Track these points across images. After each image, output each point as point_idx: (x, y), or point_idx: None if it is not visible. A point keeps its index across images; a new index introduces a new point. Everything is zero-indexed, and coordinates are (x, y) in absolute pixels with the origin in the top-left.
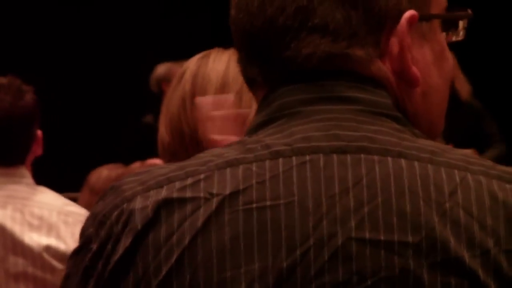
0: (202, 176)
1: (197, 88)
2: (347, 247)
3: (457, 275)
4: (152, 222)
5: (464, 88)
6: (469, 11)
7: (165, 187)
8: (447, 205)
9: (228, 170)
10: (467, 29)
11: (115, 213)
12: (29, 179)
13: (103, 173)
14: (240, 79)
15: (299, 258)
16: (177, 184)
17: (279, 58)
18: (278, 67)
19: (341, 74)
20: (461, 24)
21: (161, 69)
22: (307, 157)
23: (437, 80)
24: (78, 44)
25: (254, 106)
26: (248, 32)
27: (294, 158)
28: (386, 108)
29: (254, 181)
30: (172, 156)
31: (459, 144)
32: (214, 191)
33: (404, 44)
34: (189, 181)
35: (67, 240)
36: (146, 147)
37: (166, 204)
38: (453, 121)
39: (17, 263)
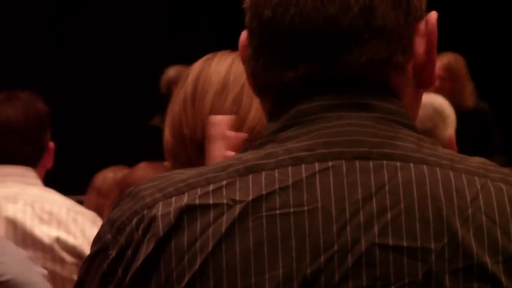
0: (224, 182)
1: (198, 90)
2: (370, 253)
3: (480, 281)
4: (174, 229)
5: (471, 95)
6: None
7: (186, 194)
8: (470, 211)
9: (250, 176)
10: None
11: (135, 219)
12: (37, 180)
13: (109, 175)
14: (240, 81)
15: (323, 264)
16: (199, 191)
17: (336, 62)
18: (328, 71)
19: (368, 82)
20: None
21: (172, 71)
22: (330, 163)
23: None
24: (85, 46)
25: (254, 109)
26: (299, 33)
27: (316, 164)
28: (403, 117)
29: (277, 187)
30: (174, 158)
31: (463, 150)
32: (237, 198)
33: (435, 44)
34: (211, 187)
35: (77, 235)
36: (153, 149)
37: (189, 211)
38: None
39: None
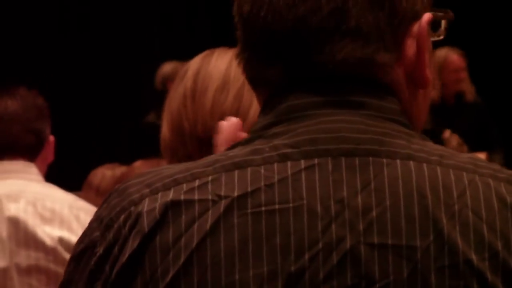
0: (209, 178)
1: (198, 86)
2: (355, 251)
3: (466, 278)
4: (159, 224)
5: (469, 90)
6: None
7: (172, 189)
8: (456, 207)
9: (236, 172)
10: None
11: (123, 216)
12: (39, 176)
13: (107, 173)
14: (241, 78)
15: (307, 262)
16: (185, 186)
17: (308, 61)
18: (303, 71)
19: (357, 80)
20: (443, 24)
21: (167, 67)
22: (316, 160)
23: (431, 79)
24: (79, 42)
25: (255, 105)
26: (271, 31)
27: (302, 161)
28: (394, 114)
29: (262, 184)
30: (172, 153)
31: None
32: (222, 193)
33: (424, 46)
34: (197, 183)
35: (79, 233)
36: (148, 146)
37: (174, 206)
38: (457, 122)
39: (30, 256)
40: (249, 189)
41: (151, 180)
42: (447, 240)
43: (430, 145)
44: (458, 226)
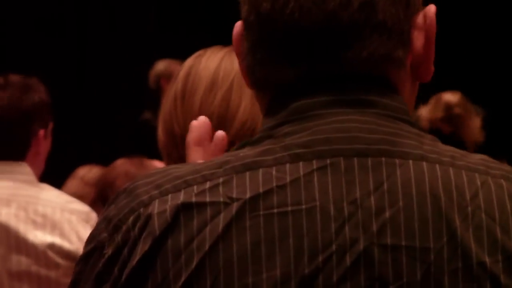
0: (220, 180)
1: (187, 87)
2: (369, 252)
3: (479, 280)
4: (171, 227)
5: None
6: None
7: (182, 191)
8: (469, 209)
9: (247, 174)
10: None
11: (132, 217)
12: (30, 176)
13: (93, 168)
14: (230, 77)
15: (321, 264)
16: (195, 188)
17: (336, 58)
18: (329, 68)
19: (368, 78)
20: None
21: (161, 65)
22: (328, 161)
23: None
24: (76, 41)
25: (243, 106)
26: (298, 28)
27: (314, 161)
28: (403, 113)
29: (274, 185)
30: (168, 155)
31: None
32: (234, 196)
33: (433, 38)
34: (208, 185)
35: (72, 238)
36: (144, 144)
37: (185, 209)
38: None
39: (20, 262)
40: (261, 191)
41: (160, 181)
42: (460, 242)
43: (441, 146)
44: (472, 228)
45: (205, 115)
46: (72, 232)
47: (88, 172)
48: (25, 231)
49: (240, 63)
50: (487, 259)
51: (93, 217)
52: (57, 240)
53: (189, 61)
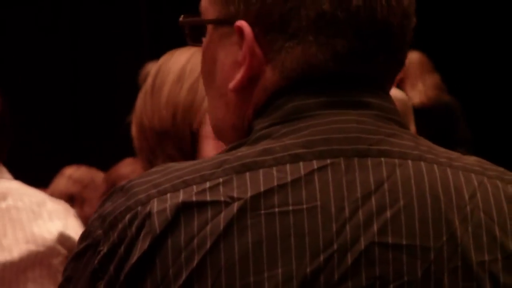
0: (220, 180)
1: (157, 82)
2: (370, 252)
3: (478, 279)
4: (171, 226)
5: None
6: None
7: (181, 191)
8: (468, 208)
9: (247, 174)
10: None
11: (128, 215)
12: (9, 174)
13: (82, 167)
14: (197, 71)
15: (323, 264)
16: (195, 188)
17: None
18: (324, 67)
19: (363, 80)
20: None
21: (151, 66)
22: (328, 161)
23: None
24: (71, 40)
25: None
26: (376, 22)
27: (315, 161)
28: (395, 114)
29: (275, 185)
30: (140, 152)
31: None
32: (235, 195)
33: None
34: (207, 185)
35: (69, 227)
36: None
37: (185, 208)
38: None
39: (29, 251)
40: (261, 190)
41: (158, 181)
42: (460, 241)
43: (436, 147)
44: (471, 227)
45: (172, 105)
46: (70, 223)
47: (75, 171)
48: (29, 221)
49: (246, 66)
50: (486, 258)
51: (70, 215)
52: (59, 226)
53: (160, 59)
